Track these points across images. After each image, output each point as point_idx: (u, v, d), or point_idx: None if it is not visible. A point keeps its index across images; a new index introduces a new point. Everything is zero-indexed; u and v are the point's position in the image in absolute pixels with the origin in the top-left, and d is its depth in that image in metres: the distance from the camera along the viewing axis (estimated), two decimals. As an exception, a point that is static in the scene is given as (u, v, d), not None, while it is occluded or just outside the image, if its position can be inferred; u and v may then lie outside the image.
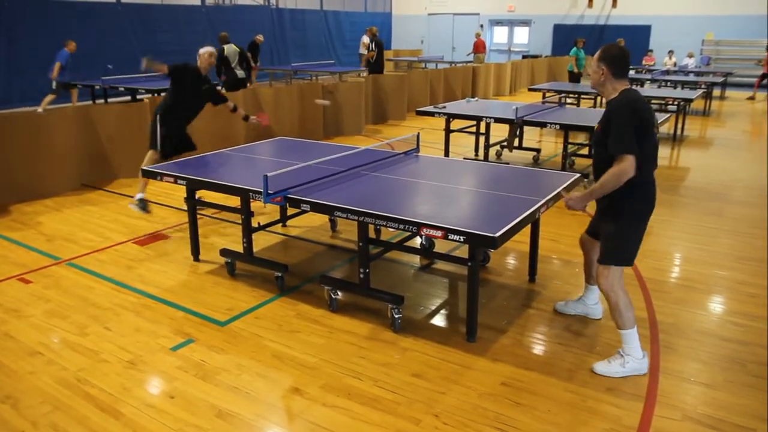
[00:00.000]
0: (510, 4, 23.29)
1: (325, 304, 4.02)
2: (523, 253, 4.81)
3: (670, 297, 4.20)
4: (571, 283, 4.39)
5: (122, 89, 10.87)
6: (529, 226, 4.22)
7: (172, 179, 4.42)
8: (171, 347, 3.55)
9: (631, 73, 15.75)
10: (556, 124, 6.93)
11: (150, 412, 2.95)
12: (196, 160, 5.01)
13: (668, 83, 13.71)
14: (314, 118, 9.93)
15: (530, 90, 11.98)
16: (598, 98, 12.09)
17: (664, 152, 9.10)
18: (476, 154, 8.79)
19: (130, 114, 7.39)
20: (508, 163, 4.94)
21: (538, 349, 3.56)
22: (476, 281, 3.52)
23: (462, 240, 3.14)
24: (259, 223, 4.84)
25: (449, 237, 3.17)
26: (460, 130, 8.63)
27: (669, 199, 6.57)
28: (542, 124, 7.12)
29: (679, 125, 10.30)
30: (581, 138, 8.57)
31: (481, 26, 23.65)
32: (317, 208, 3.68)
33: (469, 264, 3.47)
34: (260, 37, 13.67)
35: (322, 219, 5.68)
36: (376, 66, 12.93)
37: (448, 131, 8.00)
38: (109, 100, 10.98)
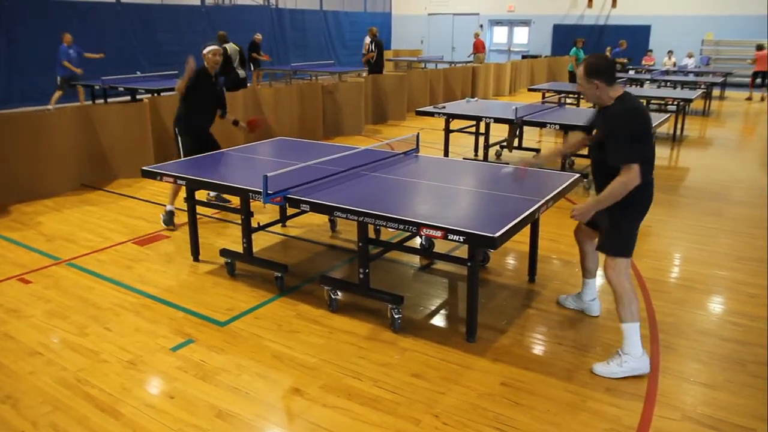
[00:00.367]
0: (510, 4, 23.29)
1: (325, 305, 4.03)
2: (522, 253, 4.81)
3: (670, 297, 4.20)
4: (570, 283, 4.40)
5: (122, 89, 10.87)
6: (529, 226, 4.22)
7: (172, 179, 4.42)
8: (171, 347, 3.55)
9: (631, 73, 15.78)
10: (555, 124, 6.94)
11: (150, 413, 2.95)
12: (196, 160, 5.01)
13: (668, 83, 13.71)
14: (314, 118, 9.94)
15: (530, 90, 11.99)
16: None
17: (663, 152, 9.10)
18: (476, 155, 8.79)
19: (130, 114, 7.39)
20: (507, 163, 4.93)
21: (538, 349, 3.56)
22: (476, 281, 3.52)
23: (461, 240, 3.15)
24: (258, 223, 4.84)
25: (449, 237, 3.17)
26: (460, 130, 8.64)
27: (668, 199, 6.57)
28: (542, 125, 7.12)
29: (679, 125, 10.30)
30: (581, 138, 8.56)
31: (481, 26, 23.66)
32: (317, 208, 3.68)
33: (469, 264, 3.48)
34: (259, 36, 14.31)
35: (321, 219, 5.68)
36: (376, 66, 12.93)
37: (447, 131, 8.01)
38: (109, 100, 10.98)
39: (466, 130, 8.68)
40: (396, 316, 3.70)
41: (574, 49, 14.07)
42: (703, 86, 12.78)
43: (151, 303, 4.13)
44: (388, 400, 3.04)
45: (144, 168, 4.67)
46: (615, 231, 3.29)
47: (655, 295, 4.21)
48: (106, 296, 4.22)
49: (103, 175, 7.30)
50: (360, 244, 3.81)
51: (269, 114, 9.23)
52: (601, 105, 3.30)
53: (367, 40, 12.92)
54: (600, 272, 3.69)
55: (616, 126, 3.11)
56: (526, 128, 8.34)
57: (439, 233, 3.20)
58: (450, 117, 7.83)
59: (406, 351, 3.50)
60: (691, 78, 14.26)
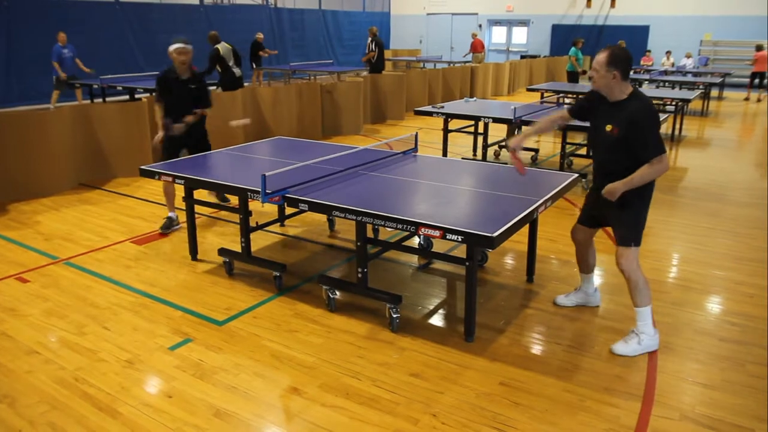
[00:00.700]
0: (508, 4, 23.30)
1: (324, 304, 4.02)
2: (521, 253, 4.81)
3: (668, 297, 4.20)
4: (569, 283, 4.40)
5: (120, 88, 10.87)
6: (528, 226, 4.23)
7: (170, 179, 4.41)
8: (169, 347, 3.55)
9: (630, 73, 15.76)
10: (554, 124, 6.92)
11: (148, 412, 2.95)
12: (194, 159, 5.01)
13: (666, 83, 13.72)
14: (313, 117, 9.93)
15: (528, 90, 11.98)
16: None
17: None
18: (474, 154, 8.79)
19: (128, 113, 7.37)
20: (506, 163, 4.94)
21: (537, 349, 3.56)
22: (474, 281, 3.52)
23: (460, 240, 3.15)
24: (257, 223, 4.83)
25: (447, 237, 3.17)
26: (459, 130, 8.64)
27: (667, 199, 6.58)
28: (541, 124, 7.10)
29: (677, 126, 10.31)
30: (579, 138, 8.58)
31: (480, 26, 23.67)
32: (315, 207, 3.68)
33: (467, 264, 3.48)
34: (260, 35, 14.87)
35: (320, 218, 5.68)
36: (376, 66, 12.93)
37: (446, 131, 8.00)
38: (107, 99, 10.98)
39: (464, 129, 8.68)
40: (394, 316, 3.70)
41: (573, 49, 14.06)
42: (701, 86, 12.79)
43: (149, 302, 4.12)
44: (387, 400, 3.04)
45: (142, 167, 4.66)
46: (628, 222, 3.40)
47: (653, 295, 4.18)
48: (105, 295, 4.22)
49: (102, 174, 7.30)
50: (358, 243, 3.81)
51: (269, 114, 9.23)
52: (610, 97, 3.34)
53: (370, 41, 12.93)
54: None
55: (644, 121, 3.21)
56: (524, 128, 8.33)
57: (437, 233, 3.20)
58: (449, 117, 7.82)
59: (404, 350, 3.50)
60: (689, 78, 14.27)
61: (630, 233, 3.39)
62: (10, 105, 11.81)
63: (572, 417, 2.92)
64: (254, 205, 4.51)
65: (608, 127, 3.34)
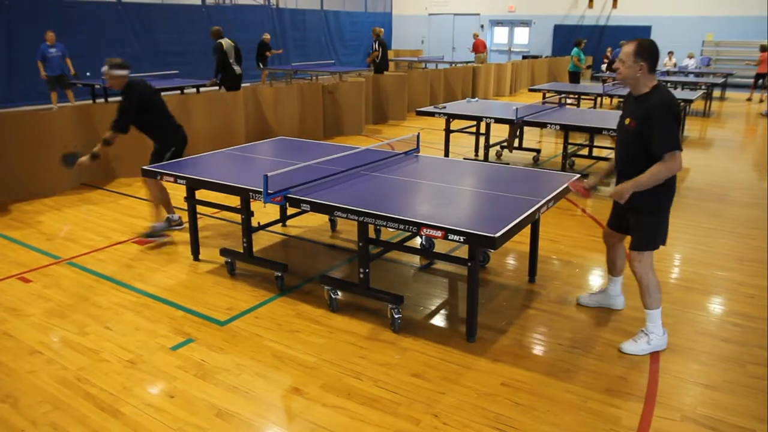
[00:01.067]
0: (510, 4, 23.29)
1: (325, 304, 4.03)
2: (523, 253, 4.81)
3: (670, 297, 4.20)
4: (571, 284, 4.40)
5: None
6: (529, 226, 4.22)
7: (172, 179, 4.42)
8: (171, 347, 3.55)
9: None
10: (556, 124, 6.93)
11: (150, 412, 2.95)
12: (196, 159, 5.01)
13: (668, 84, 13.68)
14: (314, 117, 9.93)
15: (530, 90, 11.98)
16: (599, 99, 12.08)
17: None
18: (476, 155, 8.79)
19: (130, 113, 7.37)
20: (508, 164, 4.93)
21: (538, 349, 3.56)
22: (476, 281, 3.52)
23: (462, 240, 3.15)
24: (259, 223, 4.84)
25: (449, 237, 3.18)
26: (460, 131, 8.64)
27: (669, 199, 6.56)
28: (542, 125, 7.12)
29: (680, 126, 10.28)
30: (581, 139, 8.57)
31: (482, 26, 23.66)
32: (317, 208, 3.68)
33: (469, 264, 3.48)
34: (267, 36, 15.29)
35: (322, 219, 5.68)
36: (380, 66, 12.93)
37: (448, 131, 8.01)
38: (109, 99, 10.98)
39: (466, 130, 8.68)
40: (396, 316, 3.70)
41: (575, 49, 14.05)
42: (703, 87, 12.78)
43: (151, 302, 4.12)
44: (388, 400, 3.04)
45: (144, 167, 4.67)
46: (645, 229, 3.39)
47: (655, 296, 4.20)
48: (106, 295, 4.22)
49: (104, 174, 7.30)
50: (360, 243, 3.81)
51: (271, 114, 9.23)
52: (634, 90, 3.29)
53: (374, 42, 12.94)
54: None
55: (661, 114, 3.14)
56: (526, 129, 8.35)
57: (439, 233, 3.20)
58: (450, 117, 7.82)
59: (406, 351, 3.50)
60: (691, 79, 14.26)
61: (646, 238, 3.38)
62: (12, 105, 11.82)
63: (574, 417, 2.92)
64: (256, 205, 4.51)
65: (627, 121, 3.31)
